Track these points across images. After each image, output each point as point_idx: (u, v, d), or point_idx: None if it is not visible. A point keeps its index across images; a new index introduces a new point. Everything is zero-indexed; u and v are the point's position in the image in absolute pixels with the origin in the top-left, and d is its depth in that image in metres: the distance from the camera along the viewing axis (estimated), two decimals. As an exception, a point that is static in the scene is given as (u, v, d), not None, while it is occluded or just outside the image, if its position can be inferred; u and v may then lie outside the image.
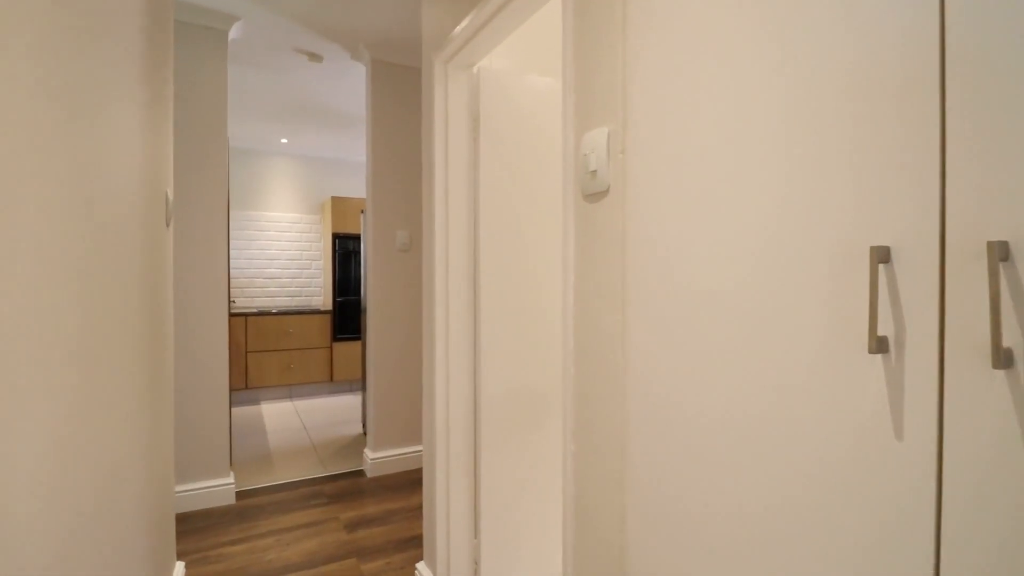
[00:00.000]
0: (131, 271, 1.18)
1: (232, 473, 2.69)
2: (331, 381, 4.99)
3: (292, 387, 4.92)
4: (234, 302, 5.11)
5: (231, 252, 5.11)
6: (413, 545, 2.21)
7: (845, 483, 0.58)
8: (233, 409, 4.52)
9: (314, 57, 3.05)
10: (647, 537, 0.86)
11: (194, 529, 2.32)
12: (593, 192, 0.96)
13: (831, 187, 0.59)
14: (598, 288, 0.96)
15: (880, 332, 0.55)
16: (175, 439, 2.50)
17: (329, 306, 5.16)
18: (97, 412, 0.90)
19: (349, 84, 3.55)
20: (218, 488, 2.59)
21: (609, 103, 0.93)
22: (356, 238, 5.16)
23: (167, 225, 1.72)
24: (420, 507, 2.57)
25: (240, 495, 2.70)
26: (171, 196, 1.76)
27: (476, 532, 1.81)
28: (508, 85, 1.79)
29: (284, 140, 4.93)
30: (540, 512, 1.88)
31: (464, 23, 1.54)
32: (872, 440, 0.55)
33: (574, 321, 1.03)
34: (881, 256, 0.54)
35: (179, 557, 2.07)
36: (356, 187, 5.67)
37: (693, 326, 0.77)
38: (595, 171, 0.95)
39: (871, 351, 0.53)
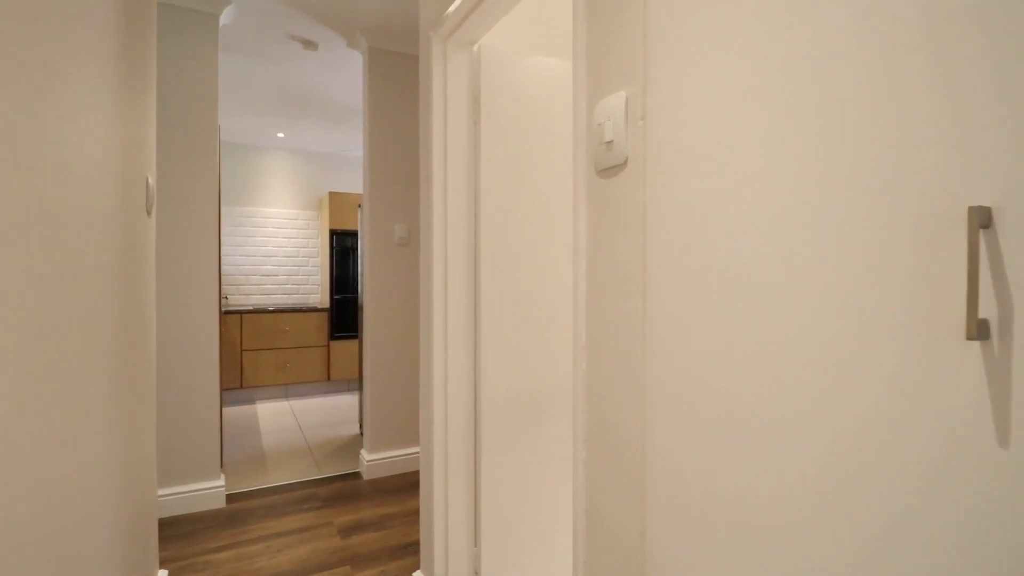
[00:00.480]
0: (99, 258, 1.08)
1: (223, 475, 2.58)
2: (328, 380, 4.89)
3: (288, 386, 4.82)
4: (226, 298, 5.01)
5: (227, 248, 5.01)
6: (410, 552, 2.10)
7: (928, 497, 0.47)
8: (227, 409, 4.42)
9: (309, 44, 2.94)
10: (673, 555, 0.76)
11: (181, 534, 2.22)
12: (608, 166, 0.86)
13: (909, 133, 0.48)
14: (614, 273, 0.86)
15: (979, 314, 0.44)
16: (162, 440, 2.39)
17: (326, 304, 5.06)
18: (39, 410, 0.79)
19: (346, 75, 3.44)
20: (208, 491, 2.48)
21: (628, 64, 0.82)
22: (354, 234, 5.06)
23: (148, 213, 1.61)
24: (418, 512, 2.46)
25: (231, 498, 2.60)
26: (153, 182, 1.66)
27: (476, 540, 1.70)
28: (511, 64, 1.69)
29: (281, 134, 4.83)
30: (546, 520, 1.77)
31: (464, -6, 1.43)
32: (966, 446, 0.45)
33: (586, 311, 0.93)
34: (981, 219, 0.43)
35: (162, 564, 1.96)
36: (354, 182, 5.57)
37: (732, 313, 0.66)
38: (611, 141, 0.85)
39: (969, 337, 0.43)
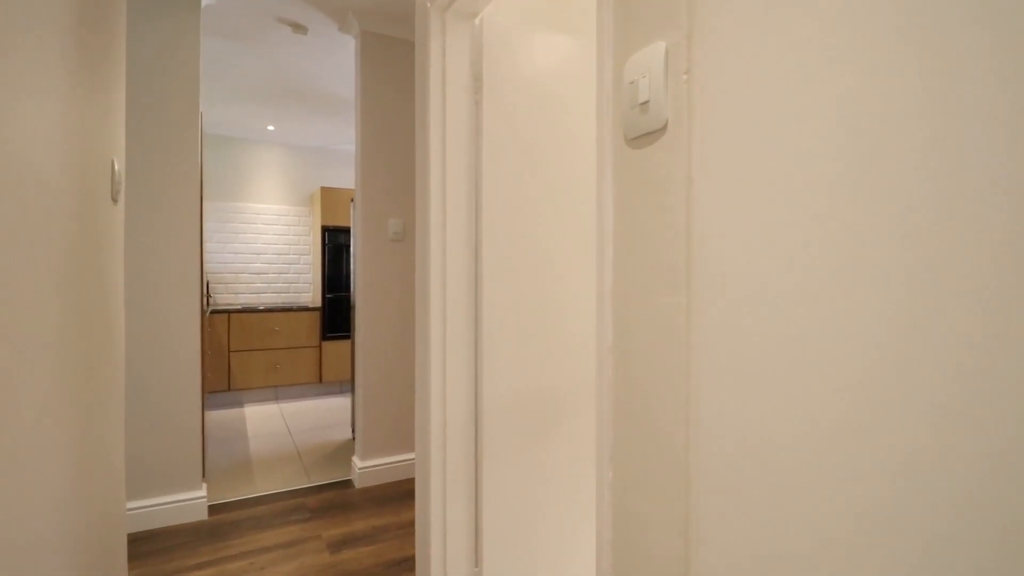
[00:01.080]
0: (39, 241, 0.93)
1: (205, 485, 2.43)
2: (320, 382, 4.73)
3: (278, 388, 4.65)
4: (211, 297, 4.83)
5: (215, 246, 4.84)
6: (405, 569, 1.96)
7: None
8: (213, 413, 4.25)
9: (298, 28, 2.79)
10: (727, 607, 0.61)
11: (156, 550, 2.06)
12: (643, 132, 0.72)
13: None
14: (650, 262, 0.72)
15: None
16: (138, 448, 2.23)
17: (318, 303, 4.89)
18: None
19: (338, 62, 3.29)
20: (188, 502, 2.32)
21: (667, 8, 0.68)
22: (347, 231, 4.90)
23: (114, 200, 1.46)
24: (413, 523, 2.32)
25: (213, 510, 2.44)
26: (120, 167, 1.50)
27: (477, 560, 1.56)
28: (517, 39, 1.55)
29: (271, 127, 4.67)
30: (558, 538, 1.63)
31: (465, -44, 1.29)
32: None
33: (613, 307, 0.78)
34: None
35: (134, 585, 1.81)
36: (347, 177, 5.41)
37: (813, 314, 0.52)
38: (646, 103, 0.70)
39: None
